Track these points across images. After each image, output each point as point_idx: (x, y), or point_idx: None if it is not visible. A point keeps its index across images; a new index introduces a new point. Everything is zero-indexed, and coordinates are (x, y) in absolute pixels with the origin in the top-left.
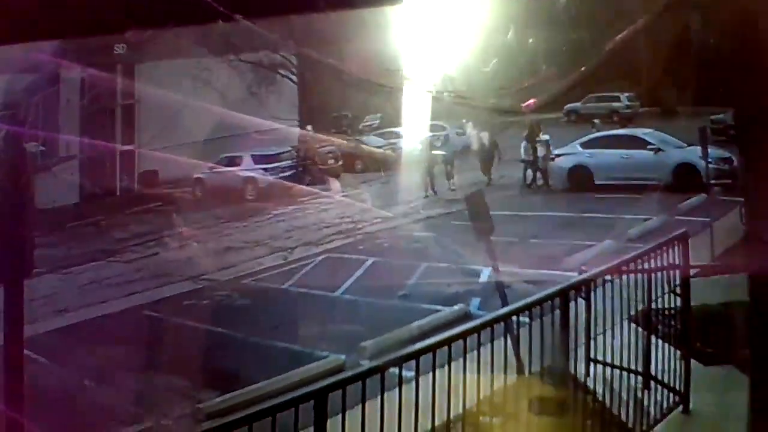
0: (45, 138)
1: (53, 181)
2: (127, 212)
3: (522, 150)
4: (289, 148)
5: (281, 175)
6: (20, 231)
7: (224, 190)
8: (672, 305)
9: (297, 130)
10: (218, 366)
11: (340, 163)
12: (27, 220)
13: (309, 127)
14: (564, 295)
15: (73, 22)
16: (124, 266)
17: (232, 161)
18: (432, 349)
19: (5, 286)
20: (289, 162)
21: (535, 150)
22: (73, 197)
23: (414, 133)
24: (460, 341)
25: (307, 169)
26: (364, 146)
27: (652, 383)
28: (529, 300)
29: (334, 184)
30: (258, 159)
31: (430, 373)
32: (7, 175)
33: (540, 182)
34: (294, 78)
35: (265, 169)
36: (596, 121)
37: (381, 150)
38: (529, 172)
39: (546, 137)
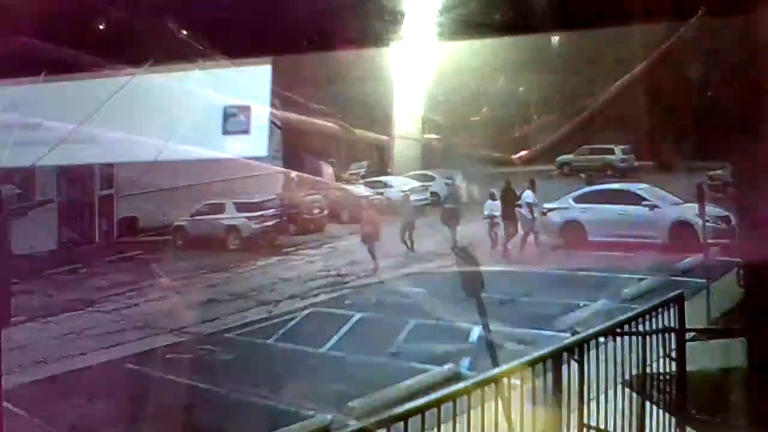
0: (21, 180)
1: (30, 226)
2: (106, 260)
3: (486, 207)
4: (274, 196)
5: (265, 224)
6: None
7: (206, 239)
8: (667, 370)
9: (281, 177)
10: (200, 422)
11: (326, 212)
12: (3, 266)
13: (294, 175)
14: (556, 357)
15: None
16: (103, 316)
17: (215, 208)
18: (421, 410)
19: None
20: (274, 210)
21: (512, 206)
22: (51, 243)
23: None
24: (450, 403)
25: (291, 218)
26: (350, 195)
27: None
28: (520, 361)
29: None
30: (241, 207)
31: None
32: None
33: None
34: (278, 122)
35: (248, 218)
36: (582, 175)
37: (368, 199)
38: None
39: (529, 199)
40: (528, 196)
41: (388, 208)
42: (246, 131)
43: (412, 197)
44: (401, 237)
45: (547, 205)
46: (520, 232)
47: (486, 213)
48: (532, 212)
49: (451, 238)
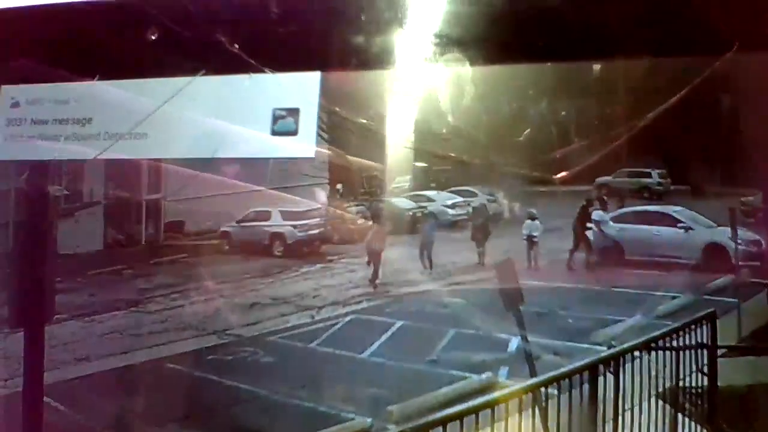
0: (69, 182)
1: (76, 227)
2: (151, 262)
3: (525, 227)
4: (319, 206)
5: (309, 232)
6: (42, 275)
7: (251, 245)
8: (699, 384)
9: (327, 188)
10: (240, 423)
11: (370, 223)
12: (49, 265)
13: (339, 186)
14: (593, 369)
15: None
16: (147, 317)
17: (261, 216)
18: (459, 416)
19: (26, 330)
20: (318, 219)
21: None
22: (97, 244)
23: (442, 197)
24: (488, 410)
25: (335, 228)
26: (393, 208)
27: None
28: (557, 372)
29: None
30: (287, 215)
31: None
32: (29, 219)
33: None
34: (325, 136)
35: (293, 226)
36: (604, 197)
37: (410, 213)
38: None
39: (600, 218)
40: (599, 215)
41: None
42: (294, 133)
43: (451, 212)
44: (420, 255)
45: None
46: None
47: (525, 233)
48: (601, 230)
49: (478, 254)
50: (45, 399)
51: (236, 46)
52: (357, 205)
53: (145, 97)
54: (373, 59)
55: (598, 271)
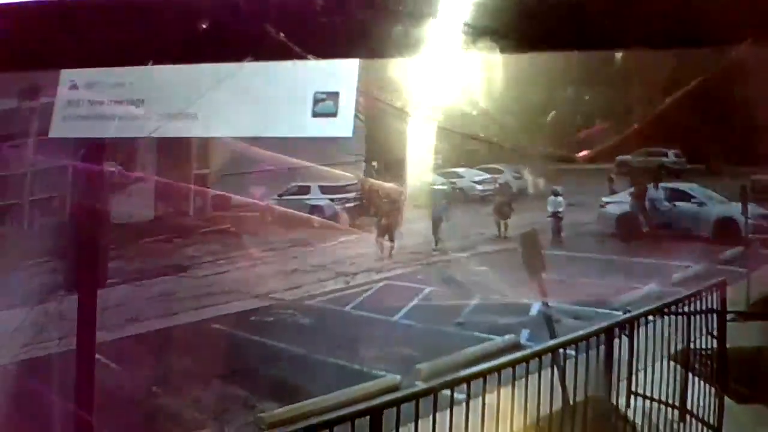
0: (122, 158)
1: (129, 200)
2: (199, 232)
3: (549, 203)
4: (356, 181)
5: (347, 205)
6: (96, 243)
7: (292, 217)
8: (709, 346)
9: (363, 164)
10: (280, 379)
11: (404, 197)
12: (103, 234)
13: (374, 163)
14: (609, 332)
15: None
16: (194, 281)
17: (301, 190)
18: (483, 374)
19: (80, 293)
20: (355, 194)
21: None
22: (148, 215)
23: (471, 174)
24: (510, 369)
25: (371, 202)
26: (425, 183)
27: (688, 417)
28: (576, 334)
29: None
30: (325, 189)
31: (480, 397)
32: (86, 191)
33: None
34: (361, 117)
35: (331, 199)
36: (613, 176)
37: (441, 188)
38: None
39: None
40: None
41: (461, 196)
42: (333, 114)
43: (479, 188)
44: (433, 230)
45: (605, 199)
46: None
47: (550, 209)
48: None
49: (501, 226)
50: (97, 356)
51: (282, 34)
52: (390, 181)
53: (195, 81)
54: (408, 47)
55: (618, 242)
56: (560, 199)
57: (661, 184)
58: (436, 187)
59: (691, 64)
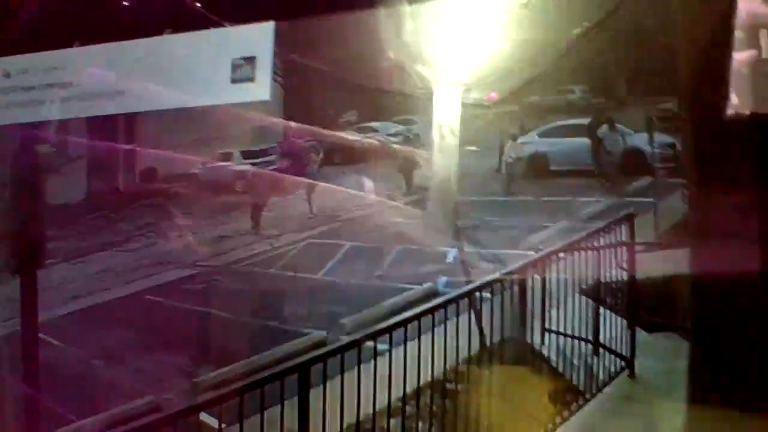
0: (55, 140)
1: (63, 180)
2: (130, 207)
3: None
4: (275, 144)
5: (268, 168)
6: (33, 225)
7: (217, 184)
8: (619, 279)
9: (282, 126)
10: (212, 344)
11: (321, 156)
12: (39, 216)
13: (293, 124)
14: (522, 272)
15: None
16: (128, 255)
17: (224, 157)
18: (404, 323)
19: (21, 276)
20: (275, 156)
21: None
22: (81, 194)
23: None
24: (429, 316)
25: (291, 163)
26: (342, 140)
27: (601, 350)
28: (490, 277)
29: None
30: (246, 154)
31: (402, 346)
32: (21, 175)
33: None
34: (279, 79)
35: (252, 164)
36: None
37: (357, 143)
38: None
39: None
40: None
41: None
42: (251, 79)
43: (395, 139)
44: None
45: (518, 140)
46: None
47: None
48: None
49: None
50: (40, 335)
51: (198, 4)
52: (309, 141)
53: (120, 59)
54: (320, 7)
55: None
56: (517, 142)
57: (566, 122)
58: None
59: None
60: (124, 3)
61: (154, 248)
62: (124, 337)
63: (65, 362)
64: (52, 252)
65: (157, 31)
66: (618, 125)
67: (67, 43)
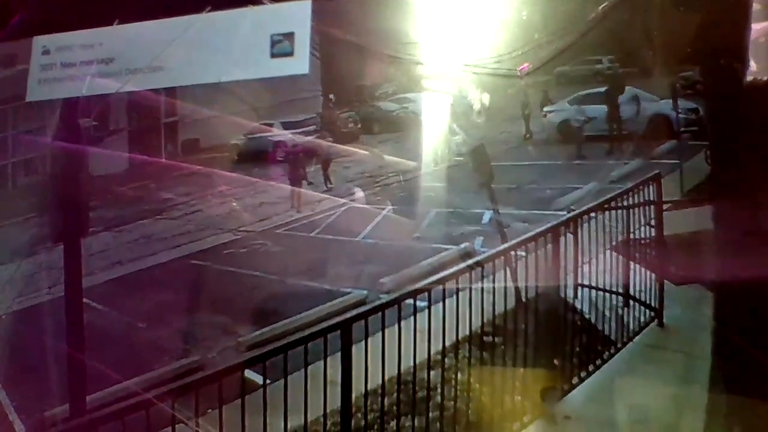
0: (97, 114)
1: (105, 152)
2: (172, 176)
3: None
4: (314, 115)
5: (307, 138)
6: (77, 195)
7: (258, 153)
8: (648, 235)
9: (320, 99)
10: (256, 305)
11: (359, 126)
12: (82, 186)
13: (331, 96)
14: (555, 231)
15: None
16: (170, 223)
17: (264, 128)
18: (441, 281)
19: (65, 243)
20: (314, 127)
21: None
22: (123, 165)
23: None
24: (466, 274)
25: (330, 132)
26: (380, 111)
27: (631, 302)
28: (524, 236)
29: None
30: (287, 125)
31: (441, 303)
32: (64, 148)
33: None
34: (317, 54)
35: (293, 133)
36: (545, 89)
37: (395, 113)
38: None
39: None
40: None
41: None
42: (291, 54)
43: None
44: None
45: (546, 108)
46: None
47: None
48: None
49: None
50: (84, 300)
51: None
52: (347, 111)
53: (159, 36)
54: None
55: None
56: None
57: (595, 90)
58: (395, 111)
59: None
60: None
61: (196, 215)
62: (168, 300)
63: (111, 326)
64: (94, 220)
65: (197, 10)
66: (636, 91)
67: (106, 23)
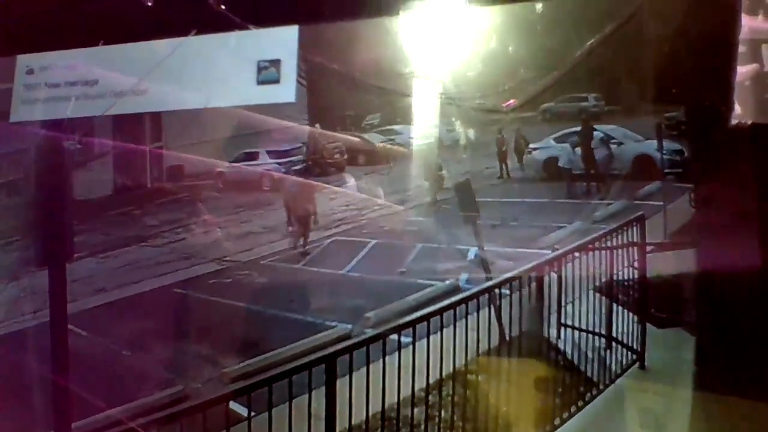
0: (81, 137)
1: (89, 176)
2: (156, 202)
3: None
4: (300, 144)
5: (293, 168)
6: (61, 220)
7: (243, 182)
8: (631, 277)
9: (307, 128)
10: (240, 336)
11: (345, 157)
12: (67, 210)
13: (317, 126)
14: (539, 270)
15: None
16: (154, 250)
17: (250, 156)
18: (426, 318)
19: (49, 269)
20: (300, 157)
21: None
22: (108, 189)
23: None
24: (451, 311)
25: (316, 163)
26: (365, 142)
27: (614, 344)
28: (509, 275)
29: (350, 180)
30: (272, 154)
31: (425, 339)
32: (48, 171)
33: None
34: (303, 82)
35: (278, 164)
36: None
37: (381, 145)
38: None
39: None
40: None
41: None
42: (276, 81)
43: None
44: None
45: (532, 145)
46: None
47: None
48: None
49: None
50: (69, 326)
51: (222, 6)
52: (333, 142)
53: (144, 58)
54: (341, 12)
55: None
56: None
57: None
58: (382, 143)
59: (605, 11)
60: (149, 3)
61: (180, 243)
62: (152, 328)
63: (94, 353)
64: (78, 246)
65: (183, 33)
66: (602, 134)
67: (91, 43)
